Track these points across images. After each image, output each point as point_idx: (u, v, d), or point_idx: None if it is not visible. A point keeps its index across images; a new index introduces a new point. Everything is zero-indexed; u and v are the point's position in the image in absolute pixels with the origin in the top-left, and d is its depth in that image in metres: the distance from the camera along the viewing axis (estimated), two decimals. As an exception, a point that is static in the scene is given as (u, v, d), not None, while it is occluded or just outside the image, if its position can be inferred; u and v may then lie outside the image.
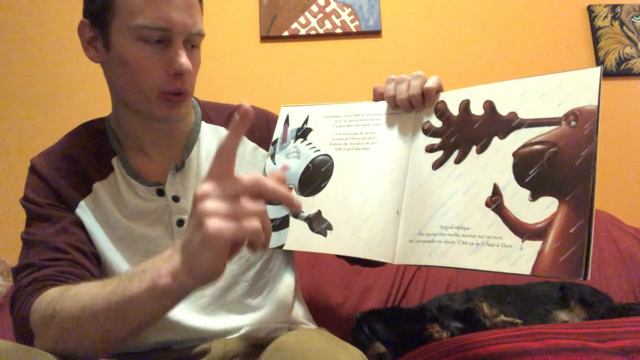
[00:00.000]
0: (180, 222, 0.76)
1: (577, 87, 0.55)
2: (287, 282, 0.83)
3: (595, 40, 1.65)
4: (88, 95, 1.59)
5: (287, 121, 0.79)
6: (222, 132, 0.83)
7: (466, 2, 1.69)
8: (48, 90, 1.62)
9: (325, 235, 0.68)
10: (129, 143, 0.78)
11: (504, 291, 1.08)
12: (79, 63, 1.56)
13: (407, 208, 0.64)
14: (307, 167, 0.73)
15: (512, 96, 0.60)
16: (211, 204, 0.44)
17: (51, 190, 0.73)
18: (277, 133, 0.79)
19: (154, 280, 0.49)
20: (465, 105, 0.64)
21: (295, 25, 1.65)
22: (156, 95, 0.70)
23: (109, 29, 0.69)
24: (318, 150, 0.74)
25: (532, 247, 0.51)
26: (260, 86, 1.63)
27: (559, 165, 0.53)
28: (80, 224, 0.73)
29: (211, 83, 1.63)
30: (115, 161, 0.77)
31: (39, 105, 1.61)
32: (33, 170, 0.76)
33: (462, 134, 0.62)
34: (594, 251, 1.46)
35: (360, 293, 1.17)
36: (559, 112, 0.55)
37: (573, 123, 0.53)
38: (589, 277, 0.47)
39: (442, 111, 0.66)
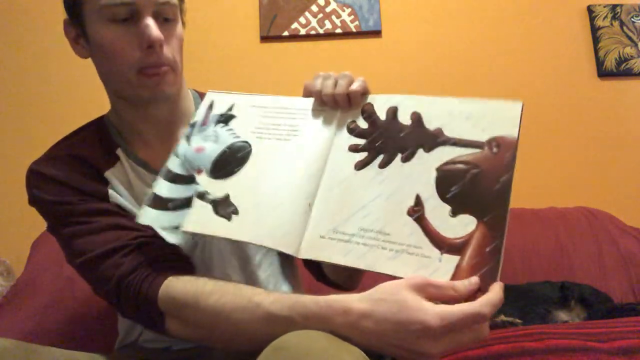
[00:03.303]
0: None
1: (500, 118, 0.59)
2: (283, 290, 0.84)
3: (595, 40, 1.65)
4: (88, 95, 1.59)
5: (210, 107, 0.77)
6: None
7: (466, 2, 1.69)
8: (48, 90, 1.62)
9: (229, 219, 0.66)
10: (131, 136, 0.78)
11: (504, 291, 1.08)
12: (79, 62, 1.56)
13: (321, 203, 0.63)
14: (224, 151, 0.71)
15: (440, 113, 0.62)
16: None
17: (74, 189, 0.71)
18: (198, 116, 0.76)
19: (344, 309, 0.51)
20: (393, 112, 0.65)
21: (295, 25, 1.65)
22: (135, 75, 0.70)
23: (83, 19, 0.70)
24: (238, 137, 0.72)
25: (451, 261, 0.54)
26: (260, 86, 1.63)
27: (480, 186, 0.56)
28: (123, 208, 0.72)
29: (211, 83, 1.63)
30: (119, 152, 0.76)
31: (39, 106, 1.62)
32: (42, 176, 0.73)
33: (388, 140, 0.64)
34: (593, 251, 1.45)
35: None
36: (483, 137, 0.58)
37: (495, 150, 0.57)
38: None
39: (369, 113, 0.67)
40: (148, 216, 0.69)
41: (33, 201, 0.74)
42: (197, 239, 0.76)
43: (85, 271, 0.69)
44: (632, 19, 1.67)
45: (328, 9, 1.66)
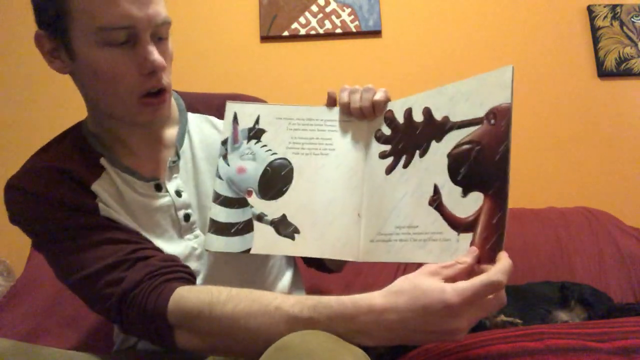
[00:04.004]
0: (186, 217, 0.75)
1: (493, 87, 0.59)
2: (286, 278, 0.84)
3: (595, 40, 1.65)
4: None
5: (235, 119, 0.78)
6: (213, 121, 0.81)
7: (466, 2, 1.69)
8: (43, 89, 1.62)
9: (293, 238, 0.71)
10: (114, 143, 0.75)
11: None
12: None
13: (366, 211, 0.70)
14: (266, 170, 0.74)
15: (444, 101, 0.65)
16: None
17: (60, 204, 0.67)
18: (227, 132, 0.77)
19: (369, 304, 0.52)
20: (408, 113, 0.69)
21: (295, 25, 1.65)
22: (136, 101, 0.67)
23: (69, 37, 0.64)
24: (275, 154, 0.75)
25: (466, 239, 0.57)
26: (260, 86, 1.63)
27: (482, 161, 0.58)
28: (115, 221, 0.69)
29: (211, 83, 1.63)
30: (103, 161, 0.72)
31: (36, 105, 1.62)
32: (22, 192, 0.68)
33: (408, 141, 0.68)
34: (593, 251, 1.46)
35: (360, 293, 1.17)
36: (481, 112, 0.60)
37: (492, 121, 0.58)
38: None
39: (390, 120, 0.71)
40: (215, 244, 0.72)
41: (15, 220, 0.69)
42: (196, 246, 0.75)
43: (82, 288, 0.66)
44: (632, 19, 1.67)
45: (328, 9, 1.66)
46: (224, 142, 0.76)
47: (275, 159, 0.74)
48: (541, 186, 1.58)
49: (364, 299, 0.53)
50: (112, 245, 0.65)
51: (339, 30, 1.65)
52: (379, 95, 0.72)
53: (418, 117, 0.68)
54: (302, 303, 0.54)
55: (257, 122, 0.77)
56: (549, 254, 1.28)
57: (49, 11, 0.64)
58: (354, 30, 1.65)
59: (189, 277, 0.66)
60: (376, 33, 1.66)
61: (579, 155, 1.61)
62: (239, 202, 0.73)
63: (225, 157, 0.75)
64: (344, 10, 1.66)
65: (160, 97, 0.69)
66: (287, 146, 0.75)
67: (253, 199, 0.73)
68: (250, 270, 0.79)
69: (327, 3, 1.67)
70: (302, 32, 1.65)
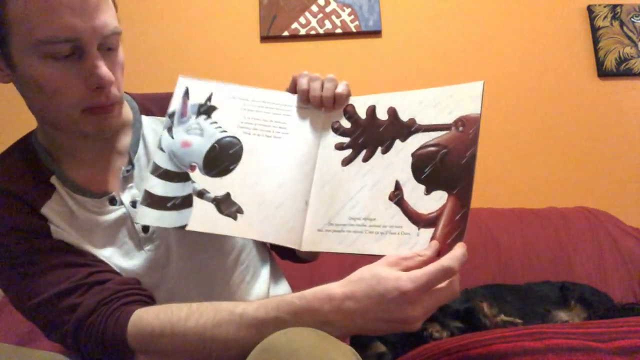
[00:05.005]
0: (145, 228, 0.70)
1: (464, 98, 0.64)
2: (264, 274, 0.82)
3: (595, 40, 1.66)
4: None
5: (186, 94, 0.73)
6: None
7: (466, 2, 1.69)
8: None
9: (235, 218, 0.67)
10: (65, 157, 0.70)
11: (503, 291, 1.08)
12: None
13: (315, 199, 0.69)
14: (213, 147, 0.70)
15: (411, 104, 0.68)
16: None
17: (8, 228, 0.63)
18: (175, 105, 0.72)
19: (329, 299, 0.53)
20: (372, 110, 0.71)
21: (295, 25, 1.65)
22: (79, 112, 0.63)
23: (7, 48, 0.60)
24: (225, 131, 0.71)
25: (427, 234, 0.59)
26: (260, 86, 1.63)
27: (449, 164, 0.62)
28: (69, 244, 0.65)
29: (211, 83, 1.63)
30: (54, 180, 0.67)
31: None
32: None
33: (369, 136, 0.69)
34: (593, 251, 1.46)
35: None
36: (449, 119, 0.64)
37: (461, 128, 0.62)
38: None
39: (351, 114, 0.72)
40: (149, 216, 0.67)
41: None
42: (157, 256, 0.71)
43: (37, 316, 0.63)
44: (632, 19, 1.67)
45: (328, 9, 1.66)
46: (171, 115, 0.72)
47: (225, 137, 0.71)
48: (541, 186, 1.58)
49: (324, 289, 0.54)
50: (66, 269, 0.62)
51: (339, 30, 1.65)
52: (341, 88, 0.71)
53: (382, 115, 0.69)
54: (265, 305, 0.54)
55: (209, 99, 0.74)
56: (549, 254, 1.28)
57: None
58: (354, 30, 1.65)
59: (147, 300, 0.64)
60: (376, 33, 1.66)
61: (579, 155, 1.61)
62: (179, 177, 0.69)
63: (170, 129, 0.71)
64: (344, 10, 1.66)
65: (108, 108, 0.65)
66: (239, 125, 0.73)
67: (196, 175, 0.69)
68: (218, 275, 0.75)
69: (327, 3, 1.67)
70: (302, 32, 1.65)
